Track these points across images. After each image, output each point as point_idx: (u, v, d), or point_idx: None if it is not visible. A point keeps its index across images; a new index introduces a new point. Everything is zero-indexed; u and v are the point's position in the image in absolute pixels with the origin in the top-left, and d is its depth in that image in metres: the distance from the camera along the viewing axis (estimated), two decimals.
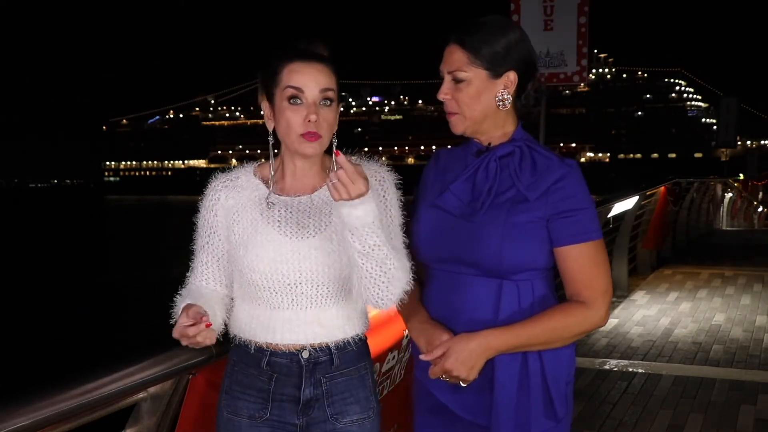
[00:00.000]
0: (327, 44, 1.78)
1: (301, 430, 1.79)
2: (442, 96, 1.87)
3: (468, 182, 1.86)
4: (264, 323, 1.76)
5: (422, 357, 1.82)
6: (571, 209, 1.79)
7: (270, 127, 1.77)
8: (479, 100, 1.83)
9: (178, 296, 1.74)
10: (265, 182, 1.80)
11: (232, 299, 1.83)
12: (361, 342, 1.85)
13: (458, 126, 1.87)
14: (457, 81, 1.83)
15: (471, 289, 1.83)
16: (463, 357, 1.74)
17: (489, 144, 1.88)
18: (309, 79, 1.71)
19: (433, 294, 1.91)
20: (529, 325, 1.78)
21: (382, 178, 1.79)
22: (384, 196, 1.78)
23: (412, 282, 1.72)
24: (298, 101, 1.71)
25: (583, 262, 1.80)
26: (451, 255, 1.84)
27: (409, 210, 1.95)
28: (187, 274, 1.83)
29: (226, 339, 1.82)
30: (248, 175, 1.81)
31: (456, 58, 1.83)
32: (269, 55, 1.78)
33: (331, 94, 1.73)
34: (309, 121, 1.70)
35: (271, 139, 1.78)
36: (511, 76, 1.83)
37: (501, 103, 1.84)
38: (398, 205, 1.80)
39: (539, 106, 1.95)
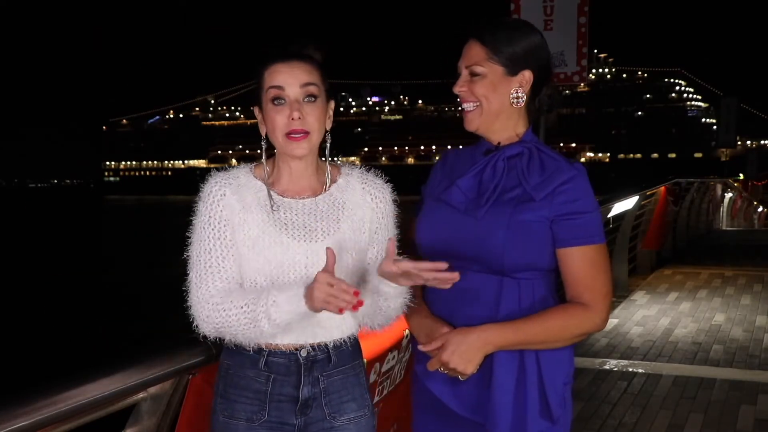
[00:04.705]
0: (310, 42, 1.78)
1: (298, 431, 1.78)
2: (458, 89, 1.88)
3: (475, 179, 1.88)
4: None
5: (421, 347, 1.83)
6: (575, 212, 1.80)
7: (263, 132, 1.77)
8: (495, 92, 1.85)
9: (219, 302, 1.67)
10: (264, 183, 1.79)
11: None
12: (355, 340, 1.86)
13: (474, 121, 1.88)
14: (473, 75, 1.85)
15: (472, 285, 1.84)
16: (461, 349, 1.75)
17: (498, 143, 1.89)
18: (288, 77, 1.71)
19: (434, 291, 1.91)
20: (529, 322, 1.78)
21: (383, 197, 1.84)
22: (382, 215, 1.83)
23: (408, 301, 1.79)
24: (282, 101, 1.71)
25: (585, 264, 1.81)
26: (453, 251, 1.85)
27: (415, 210, 1.98)
28: (194, 281, 1.71)
29: (223, 340, 1.81)
30: (248, 175, 1.79)
31: (474, 53, 1.86)
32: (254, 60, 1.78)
33: (313, 89, 1.72)
34: (292, 119, 1.70)
35: (263, 143, 1.78)
36: (527, 75, 1.86)
37: (515, 100, 1.86)
38: (395, 224, 1.86)
39: (552, 110, 1.96)
